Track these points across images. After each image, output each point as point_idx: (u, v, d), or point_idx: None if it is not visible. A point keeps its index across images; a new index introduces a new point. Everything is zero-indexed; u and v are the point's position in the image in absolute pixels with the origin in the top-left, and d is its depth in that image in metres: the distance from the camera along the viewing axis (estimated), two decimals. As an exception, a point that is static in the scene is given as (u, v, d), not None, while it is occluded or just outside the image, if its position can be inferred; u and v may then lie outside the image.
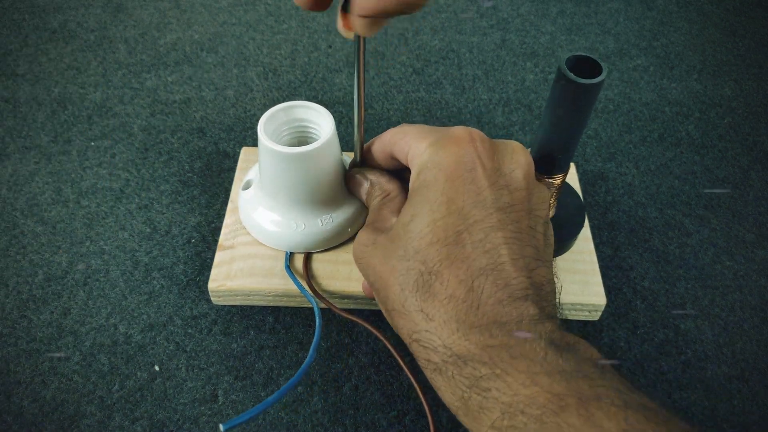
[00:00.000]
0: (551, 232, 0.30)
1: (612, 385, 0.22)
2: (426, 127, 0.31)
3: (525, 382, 0.22)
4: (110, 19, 0.63)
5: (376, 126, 0.53)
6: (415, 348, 0.27)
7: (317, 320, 0.35)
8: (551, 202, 0.39)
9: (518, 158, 0.29)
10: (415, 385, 0.34)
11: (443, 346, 0.25)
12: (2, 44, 0.59)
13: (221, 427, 0.28)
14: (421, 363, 0.27)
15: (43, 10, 0.63)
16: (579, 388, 0.22)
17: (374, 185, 0.35)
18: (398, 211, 0.32)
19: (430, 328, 0.26)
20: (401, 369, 0.36)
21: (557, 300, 0.28)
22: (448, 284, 0.26)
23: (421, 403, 0.34)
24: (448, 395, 0.25)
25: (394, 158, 0.33)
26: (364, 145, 0.36)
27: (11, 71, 0.57)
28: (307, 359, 0.32)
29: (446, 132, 0.29)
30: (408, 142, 0.31)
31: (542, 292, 0.27)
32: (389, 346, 0.36)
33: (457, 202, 0.27)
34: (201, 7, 0.65)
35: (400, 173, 0.36)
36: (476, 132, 0.29)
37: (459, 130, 0.29)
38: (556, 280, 0.29)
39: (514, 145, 0.30)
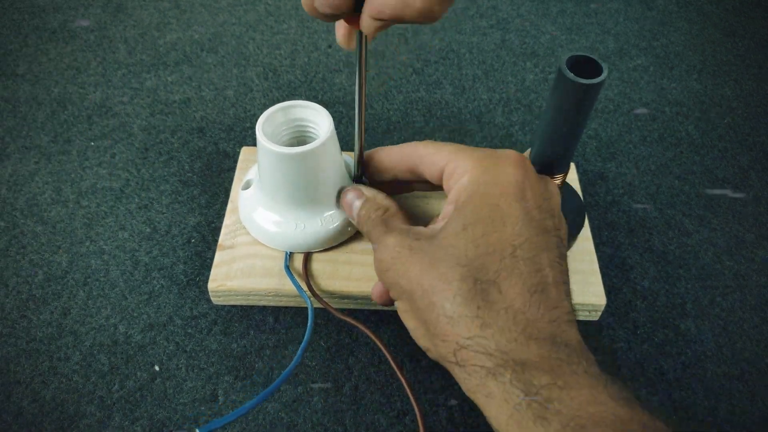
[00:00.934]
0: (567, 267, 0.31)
1: (663, 421, 0.23)
2: (460, 145, 0.32)
3: (590, 400, 0.23)
4: (110, 19, 0.63)
5: (375, 126, 0.53)
6: (463, 355, 0.26)
7: (309, 322, 0.35)
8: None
9: (552, 189, 0.31)
10: (406, 386, 0.34)
11: (499, 350, 0.25)
12: (2, 44, 0.59)
13: (197, 431, 0.28)
14: (469, 370, 0.26)
15: (43, 10, 0.63)
16: (641, 417, 0.23)
17: (369, 201, 0.35)
18: (407, 224, 0.32)
19: (486, 335, 0.26)
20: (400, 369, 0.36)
21: None
22: (506, 295, 0.26)
23: (422, 403, 0.34)
24: (498, 403, 0.24)
25: (413, 171, 0.34)
26: (366, 153, 0.36)
27: (11, 71, 0.57)
28: (292, 362, 0.33)
29: (497, 152, 0.31)
30: (444, 157, 0.32)
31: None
32: (382, 348, 0.36)
33: (510, 218, 0.28)
34: (201, 7, 0.65)
35: (392, 188, 0.37)
36: (525, 157, 0.31)
37: (512, 153, 0.31)
38: None
39: (547, 177, 0.32)
